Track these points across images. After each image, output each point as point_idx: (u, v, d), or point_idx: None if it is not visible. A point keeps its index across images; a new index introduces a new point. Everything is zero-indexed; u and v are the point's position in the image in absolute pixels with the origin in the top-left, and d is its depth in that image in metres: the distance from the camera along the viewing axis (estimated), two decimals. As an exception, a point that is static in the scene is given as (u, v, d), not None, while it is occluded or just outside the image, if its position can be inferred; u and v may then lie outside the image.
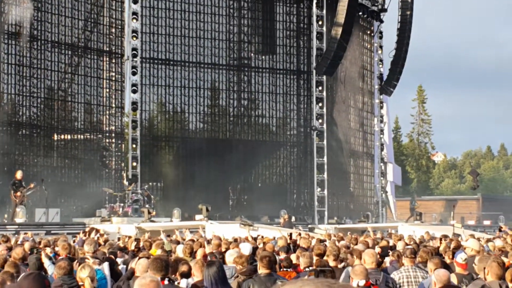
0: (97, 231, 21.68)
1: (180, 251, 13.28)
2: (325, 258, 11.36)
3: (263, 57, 42.38)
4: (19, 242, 17.10)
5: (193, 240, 16.53)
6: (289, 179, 41.73)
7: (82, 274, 8.96)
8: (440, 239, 19.01)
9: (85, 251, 13.01)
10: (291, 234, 19.85)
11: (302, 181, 41.10)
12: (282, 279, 9.24)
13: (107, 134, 38.50)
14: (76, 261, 11.38)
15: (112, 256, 13.19)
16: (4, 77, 34.43)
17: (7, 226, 26.09)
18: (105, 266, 11.23)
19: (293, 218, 33.07)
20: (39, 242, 17.01)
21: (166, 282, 7.46)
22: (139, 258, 10.79)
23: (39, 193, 29.76)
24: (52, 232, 25.16)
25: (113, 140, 38.64)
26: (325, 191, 40.28)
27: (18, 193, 28.13)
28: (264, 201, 36.29)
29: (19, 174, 28.77)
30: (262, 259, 9.08)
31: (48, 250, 13.89)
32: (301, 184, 41.30)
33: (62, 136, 36.90)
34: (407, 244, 15.23)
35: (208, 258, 12.26)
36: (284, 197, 40.13)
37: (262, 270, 9.05)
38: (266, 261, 8.98)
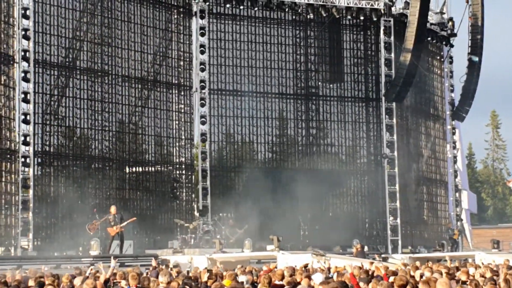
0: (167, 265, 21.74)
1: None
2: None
3: (331, 85, 42.28)
4: (88, 274, 17.23)
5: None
6: (360, 208, 41.22)
7: None
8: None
9: (159, 282, 13.09)
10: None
11: (374, 209, 40.53)
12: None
13: (177, 166, 38.82)
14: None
15: (187, 287, 13.23)
16: (77, 112, 35.15)
17: (82, 259, 26.43)
18: None
19: (365, 248, 32.60)
20: (115, 274, 17.13)
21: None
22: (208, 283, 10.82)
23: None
24: (126, 264, 25.34)
25: (183, 172, 38.94)
26: (398, 220, 39.66)
27: (115, 227, 28.71)
28: (336, 230, 35.90)
29: (113, 209, 29.39)
30: None
31: (123, 282, 13.98)
32: (373, 213, 40.72)
33: (134, 169, 37.37)
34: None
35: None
36: (355, 226, 39.63)
37: None
38: None
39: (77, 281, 13.95)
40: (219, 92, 39.52)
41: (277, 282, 14.12)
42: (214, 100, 39.38)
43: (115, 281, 13.77)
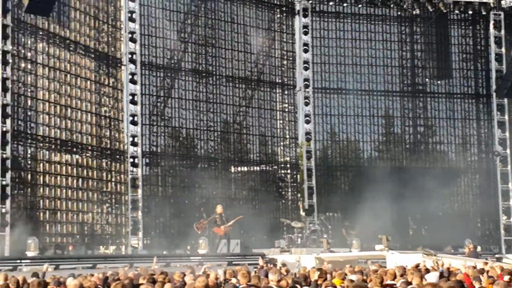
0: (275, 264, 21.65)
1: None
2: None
3: (439, 81, 41.28)
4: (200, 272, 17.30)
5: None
6: (471, 207, 40.02)
7: None
8: None
9: (270, 280, 12.97)
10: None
11: (486, 209, 39.24)
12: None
13: (282, 165, 38.81)
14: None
15: (297, 285, 13.10)
16: (182, 113, 35.65)
17: (191, 257, 26.72)
18: None
19: (478, 248, 31.58)
20: (224, 273, 17.15)
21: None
22: (325, 286, 10.64)
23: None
24: (234, 263, 25.43)
25: (288, 171, 38.92)
26: (512, 219, 38.38)
27: (222, 227, 28.99)
28: (446, 230, 34.99)
29: (219, 209, 29.67)
30: None
31: (233, 280, 13.93)
32: (485, 212, 39.46)
33: (239, 168, 37.58)
34: None
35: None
36: (467, 226, 38.46)
37: None
38: None
39: (188, 279, 14.01)
40: (323, 91, 39.25)
41: (388, 282, 13.76)
42: (318, 98, 39.13)
43: (226, 279, 13.75)
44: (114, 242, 32.94)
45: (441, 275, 15.09)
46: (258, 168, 38.00)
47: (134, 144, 33.49)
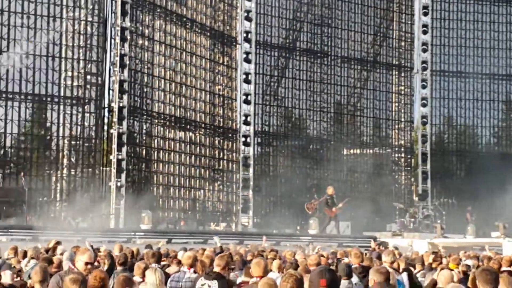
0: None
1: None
2: None
3: None
4: (313, 252, 17.15)
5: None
6: None
7: (376, 278, 8.69)
8: None
9: (383, 261, 12.68)
10: None
11: None
12: None
13: (396, 149, 38.11)
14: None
15: (411, 268, 12.78)
16: (296, 93, 35.49)
17: (301, 237, 26.64)
18: (404, 276, 11.21)
19: None
20: (333, 253, 16.96)
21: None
22: (441, 269, 10.28)
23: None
24: (344, 244, 25.16)
25: (402, 155, 38.19)
26: None
27: (333, 208, 28.83)
28: None
29: (330, 190, 29.48)
30: None
31: (346, 260, 13.74)
32: None
33: (352, 151, 37.14)
34: None
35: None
36: None
37: None
38: None
39: (298, 257, 13.91)
40: (441, 73, 38.22)
41: (504, 268, 13.20)
42: (436, 81, 38.14)
43: (339, 258, 13.58)
44: (225, 220, 33.22)
45: None
46: (371, 151, 37.47)
47: (246, 123, 33.60)
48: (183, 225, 30.33)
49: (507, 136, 39.00)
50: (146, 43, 30.33)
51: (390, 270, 10.90)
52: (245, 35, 33.54)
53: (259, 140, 35.18)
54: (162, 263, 12.17)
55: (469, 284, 9.05)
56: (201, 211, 32.44)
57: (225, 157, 33.68)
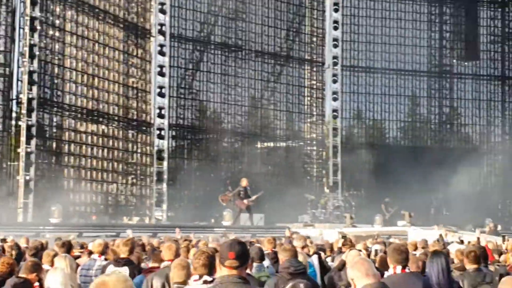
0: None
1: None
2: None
3: (466, 63, 40.97)
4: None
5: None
6: (494, 188, 39.88)
7: (283, 256, 9.08)
8: None
9: (295, 246, 13.07)
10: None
11: (508, 190, 39.03)
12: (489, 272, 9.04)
13: (308, 142, 38.78)
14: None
15: (321, 252, 13.22)
16: (210, 86, 35.69)
17: (215, 229, 26.86)
18: (314, 259, 11.51)
19: (499, 227, 31.47)
20: (246, 241, 17.29)
21: (407, 270, 7.27)
22: (350, 250, 10.71)
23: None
24: (257, 235, 25.44)
25: (314, 148, 38.89)
26: (533, 201, 38.18)
27: (245, 200, 29.09)
28: (467, 210, 34.85)
29: (244, 182, 29.73)
30: (468, 255, 9.03)
31: (257, 245, 14.05)
32: (506, 193, 39.28)
33: (265, 144, 37.62)
34: None
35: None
36: (488, 207, 38.31)
37: (469, 266, 8.98)
38: (472, 256, 8.93)
39: (211, 245, 14.15)
40: (351, 69, 39.11)
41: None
42: (346, 76, 39.02)
43: (251, 241, 13.86)
44: (138, 213, 33.12)
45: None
46: (284, 144, 38.02)
47: (161, 116, 33.59)
48: (95, 219, 30.08)
49: (413, 130, 40.20)
50: (57, 34, 29.80)
51: (301, 251, 11.31)
52: (159, 27, 33.50)
53: (174, 133, 35.23)
54: (76, 252, 12.17)
55: (377, 265, 9.46)
56: (113, 205, 32.22)
57: (139, 150, 33.57)
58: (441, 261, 7.81)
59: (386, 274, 7.84)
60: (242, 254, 5.22)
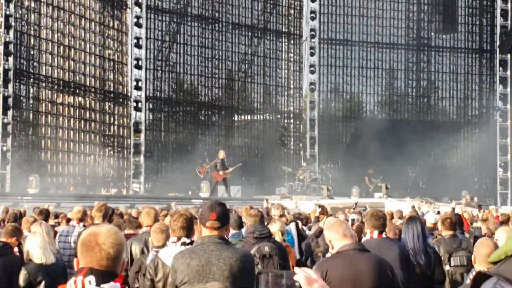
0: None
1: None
2: None
3: (444, 36, 41.04)
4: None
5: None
6: (470, 161, 40.22)
7: (273, 228, 9.16)
8: None
9: (273, 214, 13.16)
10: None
11: (484, 163, 39.40)
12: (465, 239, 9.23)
13: (286, 115, 38.83)
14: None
15: (298, 221, 13.32)
16: (187, 58, 35.55)
17: (192, 200, 26.94)
18: (292, 226, 11.56)
19: (475, 199, 31.85)
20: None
21: (383, 235, 7.34)
22: (326, 217, 10.82)
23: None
24: (235, 207, 25.55)
25: (291, 121, 38.96)
26: (509, 174, 38.53)
27: (221, 172, 29.15)
28: (444, 182, 35.25)
29: (222, 154, 29.81)
30: (444, 222, 9.23)
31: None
32: (483, 166, 39.64)
33: (242, 117, 37.63)
34: None
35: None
36: (464, 179, 38.69)
37: (445, 232, 9.15)
38: (448, 222, 9.12)
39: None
40: (329, 41, 38.99)
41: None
42: (323, 49, 38.90)
43: (229, 209, 13.90)
44: (116, 185, 33.14)
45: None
46: (261, 117, 38.03)
47: (137, 88, 33.49)
48: (73, 190, 30.05)
49: (390, 104, 40.35)
50: (33, 5, 29.61)
51: (278, 219, 11.39)
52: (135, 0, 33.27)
53: (151, 105, 35.11)
54: (51, 222, 12.15)
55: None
56: (91, 176, 32.19)
57: (116, 123, 33.48)
58: (416, 226, 7.92)
59: (364, 239, 7.95)
60: (223, 215, 5.29)
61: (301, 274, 2.70)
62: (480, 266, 5.39)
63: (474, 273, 5.32)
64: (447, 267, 8.45)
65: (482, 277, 1.27)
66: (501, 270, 1.24)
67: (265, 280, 2.69)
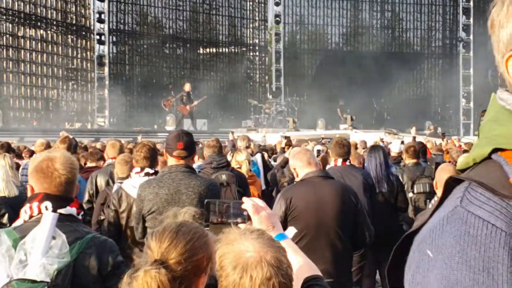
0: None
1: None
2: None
3: (408, -34, 40.82)
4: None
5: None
6: (433, 92, 40.57)
7: (240, 157, 9.15)
8: None
9: (238, 146, 13.19)
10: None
11: (447, 93, 39.78)
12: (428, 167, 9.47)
13: (251, 47, 38.59)
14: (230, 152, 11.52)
15: (264, 152, 13.37)
16: (151, -10, 35.00)
17: (158, 133, 26.88)
18: (258, 157, 11.59)
19: (438, 130, 32.21)
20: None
21: (347, 163, 7.41)
22: (292, 148, 10.88)
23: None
24: (201, 140, 25.57)
25: (257, 53, 38.75)
26: (471, 104, 38.98)
27: (187, 106, 29.04)
28: (408, 113, 35.56)
29: (187, 87, 29.66)
30: (407, 150, 9.45)
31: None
32: (446, 97, 40.03)
33: (207, 50, 37.33)
34: None
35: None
36: (428, 110, 39.14)
37: (408, 160, 9.40)
38: (411, 151, 9.36)
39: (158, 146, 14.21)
40: (294, -28, 38.61)
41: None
42: (289, -20, 38.54)
43: (197, 142, 13.95)
44: (80, 119, 32.87)
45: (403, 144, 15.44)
46: (227, 49, 37.76)
47: (100, 21, 32.95)
48: (36, 124, 29.78)
49: (355, 36, 40.26)
50: None
51: (244, 150, 11.43)
52: None
53: (114, 38, 34.63)
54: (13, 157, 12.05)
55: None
56: (55, 110, 31.87)
57: (79, 56, 33.03)
58: (378, 154, 8.00)
59: (328, 167, 8.03)
60: (190, 144, 5.28)
61: (249, 203, 2.73)
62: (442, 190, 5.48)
63: (436, 198, 5.41)
64: (410, 194, 8.59)
65: (453, 182, 1.29)
66: (471, 175, 1.27)
67: (213, 209, 2.72)
